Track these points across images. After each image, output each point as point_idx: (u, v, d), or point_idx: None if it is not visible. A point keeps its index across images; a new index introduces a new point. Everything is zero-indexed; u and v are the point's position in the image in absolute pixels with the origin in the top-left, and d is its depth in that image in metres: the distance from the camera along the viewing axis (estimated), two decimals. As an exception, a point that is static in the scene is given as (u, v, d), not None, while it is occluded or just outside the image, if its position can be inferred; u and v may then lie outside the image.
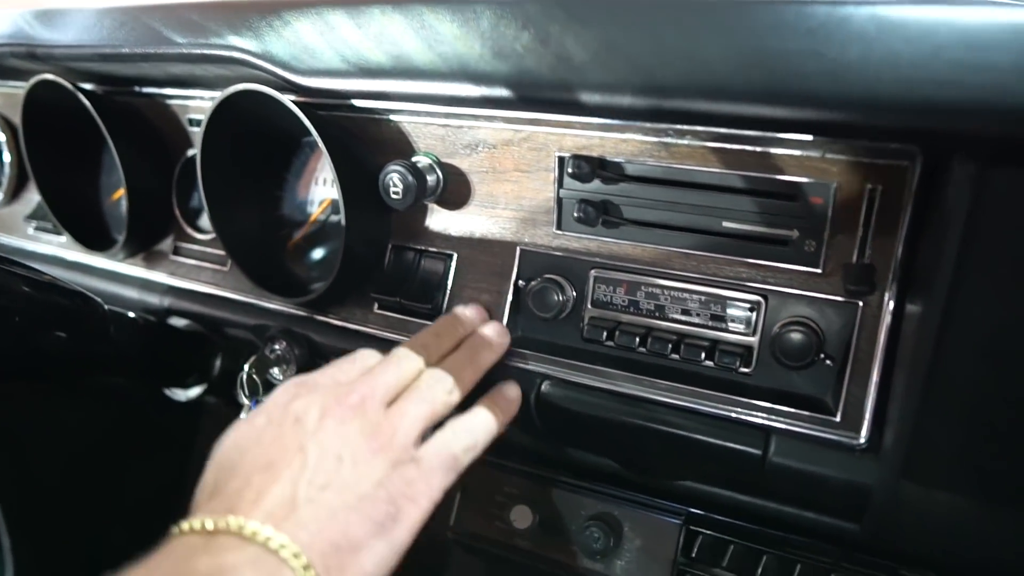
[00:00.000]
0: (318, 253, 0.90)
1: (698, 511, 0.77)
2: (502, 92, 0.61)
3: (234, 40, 0.71)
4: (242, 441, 0.56)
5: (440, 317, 0.73)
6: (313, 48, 0.68)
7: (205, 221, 0.95)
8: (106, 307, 0.86)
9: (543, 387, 0.72)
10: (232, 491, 0.51)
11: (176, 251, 0.97)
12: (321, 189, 0.89)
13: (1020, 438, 0.51)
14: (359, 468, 0.54)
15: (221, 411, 1.02)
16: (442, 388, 0.62)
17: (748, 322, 0.66)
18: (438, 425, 0.62)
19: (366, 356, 0.65)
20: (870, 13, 0.47)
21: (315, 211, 0.89)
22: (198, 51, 0.73)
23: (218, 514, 0.49)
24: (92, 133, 0.90)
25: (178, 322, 0.97)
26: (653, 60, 0.53)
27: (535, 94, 0.59)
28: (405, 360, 0.63)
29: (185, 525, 0.49)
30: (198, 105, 0.91)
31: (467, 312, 0.73)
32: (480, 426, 0.64)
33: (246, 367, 0.84)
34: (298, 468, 0.52)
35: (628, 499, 0.78)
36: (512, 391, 0.71)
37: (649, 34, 0.52)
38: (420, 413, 0.59)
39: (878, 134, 0.56)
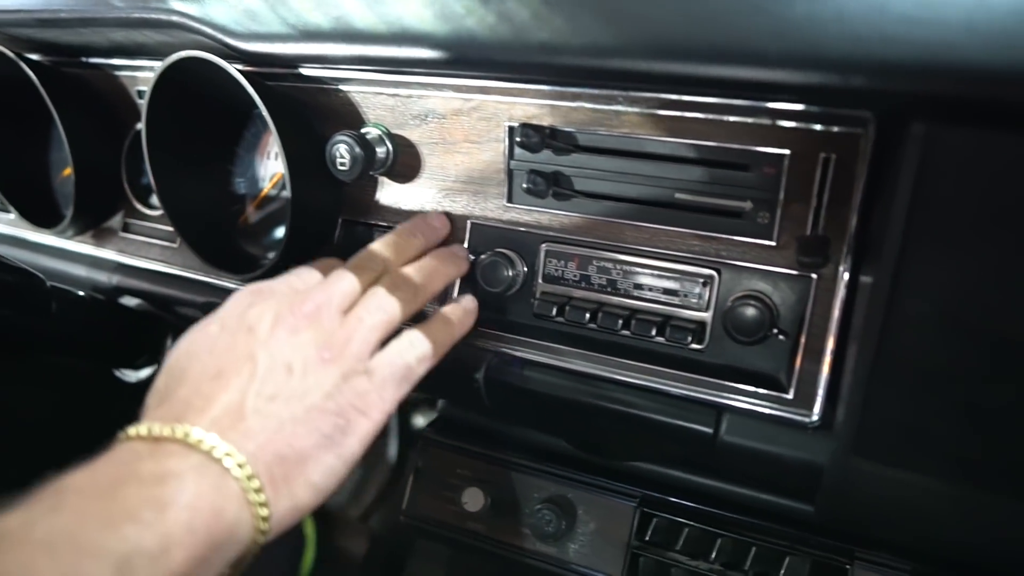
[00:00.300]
0: (271, 229, 0.87)
1: (653, 493, 0.75)
2: (444, 54, 0.59)
3: (174, 3, 0.69)
4: (194, 348, 0.56)
5: (406, 223, 0.70)
6: (254, 11, 0.66)
7: (156, 197, 0.92)
8: (49, 284, 0.84)
9: (492, 363, 0.70)
10: (180, 398, 0.51)
11: (126, 228, 0.94)
12: (273, 164, 0.86)
13: (970, 412, 0.49)
14: (308, 379, 0.53)
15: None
16: (400, 296, 0.60)
17: (701, 297, 0.64)
18: (396, 334, 0.60)
19: (326, 262, 0.64)
20: (816, -34, 0.45)
21: (266, 186, 0.87)
22: (137, 15, 0.70)
23: (166, 421, 0.49)
24: (40, 106, 0.87)
25: (128, 301, 0.95)
26: (593, 18, 0.51)
27: (476, 55, 0.57)
28: (365, 267, 0.62)
29: (132, 431, 0.49)
30: (147, 76, 0.88)
31: (433, 222, 0.71)
32: (436, 335, 0.62)
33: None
34: (247, 377, 0.52)
35: (582, 481, 0.77)
36: (470, 302, 0.69)
37: (590, -10, 0.50)
38: (375, 322, 0.58)
39: (829, 98, 0.54)
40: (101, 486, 0.45)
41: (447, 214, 0.72)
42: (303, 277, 0.61)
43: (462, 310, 0.68)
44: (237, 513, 0.48)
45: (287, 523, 0.51)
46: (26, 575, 0.39)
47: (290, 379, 0.53)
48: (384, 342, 0.59)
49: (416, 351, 0.59)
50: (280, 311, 0.56)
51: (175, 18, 0.68)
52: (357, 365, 0.56)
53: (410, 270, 0.64)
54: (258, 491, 0.48)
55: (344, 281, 0.59)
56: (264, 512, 0.49)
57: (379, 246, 0.65)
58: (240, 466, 0.48)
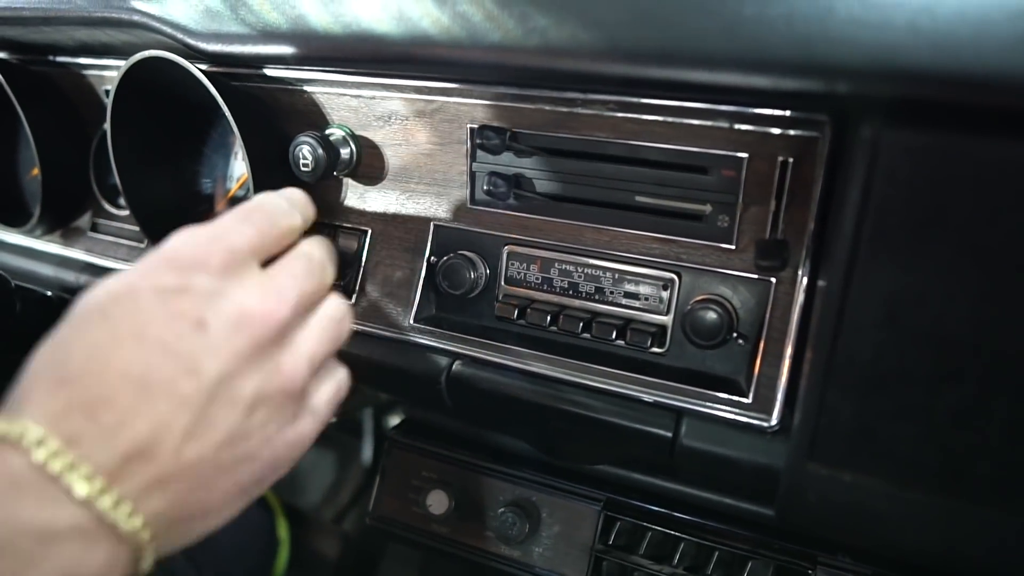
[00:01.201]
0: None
1: (617, 496, 0.74)
2: (399, 54, 0.58)
3: (135, 3, 0.68)
4: (117, 320, 0.43)
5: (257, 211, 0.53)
6: (214, 11, 0.65)
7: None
8: (14, 283, 0.83)
9: (454, 366, 0.69)
10: (87, 392, 0.40)
11: (94, 227, 0.94)
12: (240, 164, 0.86)
13: (921, 415, 0.49)
14: (256, 417, 0.45)
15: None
16: (345, 322, 0.53)
17: (661, 300, 0.64)
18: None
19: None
20: (764, -32, 0.45)
21: (233, 186, 0.86)
22: (98, 14, 0.69)
23: (59, 418, 0.39)
24: (6, 105, 0.86)
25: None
26: (545, 20, 0.50)
27: (432, 55, 0.57)
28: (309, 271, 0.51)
29: (16, 431, 0.39)
30: (114, 76, 0.88)
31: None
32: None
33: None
34: (179, 401, 0.41)
35: (547, 484, 0.76)
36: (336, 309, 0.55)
37: (541, -9, 0.50)
38: (323, 353, 0.51)
39: (784, 101, 0.54)
40: None
41: (411, 216, 0.72)
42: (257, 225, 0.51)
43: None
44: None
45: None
46: None
47: (233, 414, 0.44)
48: None
49: (343, 389, 0.55)
50: (248, 306, 0.46)
51: (136, 17, 0.68)
52: (305, 404, 0.50)
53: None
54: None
55: (304, 292, 0.50)
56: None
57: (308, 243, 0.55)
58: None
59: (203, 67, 0.70)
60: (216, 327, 0.44)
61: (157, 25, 0.67)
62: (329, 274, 0.54)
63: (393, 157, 0.71)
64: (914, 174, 0.45)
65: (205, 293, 0.45)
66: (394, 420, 1.33)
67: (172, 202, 0.85)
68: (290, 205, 0.55)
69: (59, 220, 0.94)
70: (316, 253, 0.53)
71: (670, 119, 0.59)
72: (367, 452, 1.33)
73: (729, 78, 0.48)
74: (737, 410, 0.61)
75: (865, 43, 0.43)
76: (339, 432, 1.38)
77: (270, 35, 0.63)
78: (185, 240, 0.48)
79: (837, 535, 0.62)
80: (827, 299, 0.51)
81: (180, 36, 0.67)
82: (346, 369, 0.55)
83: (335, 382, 0.54)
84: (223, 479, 0.44)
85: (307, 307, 0.51)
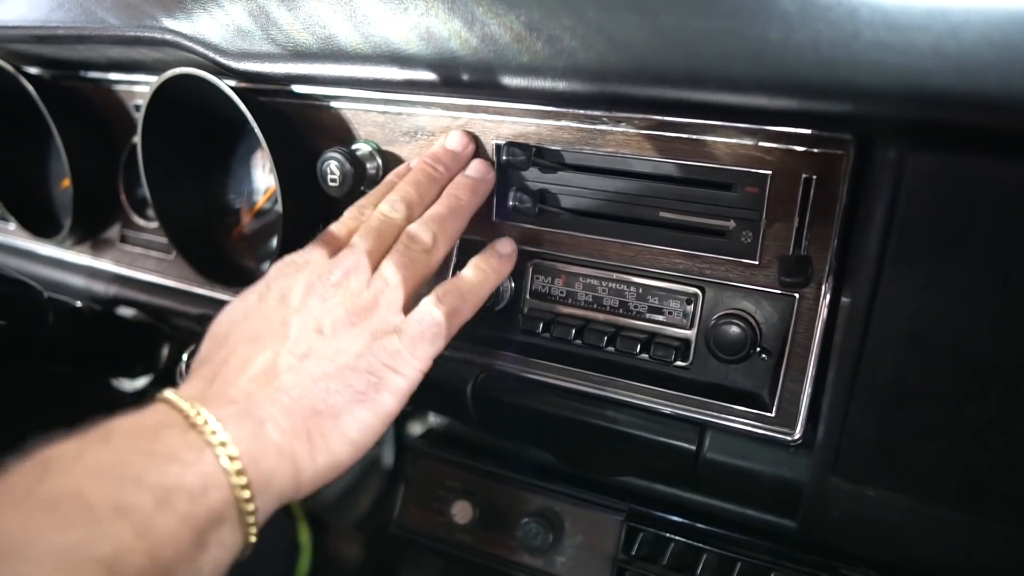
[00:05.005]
0: (265, 242, 0.88)
1: (640, 507, 0.75)
2: (428, 76, 0.59)
3: (167, 22, 0.69)
4: (233, 315, 0.59)
5: (427, 154, 0.67)
6: (245, 31, 0.66)
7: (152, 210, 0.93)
8: (46, 295, 0.84)
9: (480, 378, 0.70)
10: (220, 359, 0.55)
11: (123, 239, 0.95)
12: (267, 177, 0.87)
13: (944, 433, 0.49)
14: (339, 340, 0.56)
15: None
16: (421, 248, 0.61)
17: (685, 314, 0.65)
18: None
19: (349, 219, 0.65)
20: (791, -7, 0.45)
21: (260, 199, 0.87)
22: (131, 33, 0.71)
23: (206, 381, 0.53)
24: (39, 118, 0.88)
25: (125, 311, 0.95)
26: (574, 41, 0.51)
27: (460, 76, 0.58)
28: (387, 220, 0.63)
29: (168, 394, 0.51)
30: (144, 91, 0.89)
31: (449, 150, 0.68)
32: (468, 288, 0.63)
33: (184, 356, 0.82)
34: (280, 339, 0.55)
35: (570, 495, 0.77)
36: (506, 247, 0.69)
37: (569, 14, 0.51)
38: (399, 280, 0.59)
39: (808, 120, 0.55)
40: (146, 427, 0.48)
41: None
42: (329, 240, 0.63)
43: (496, 257, 0.67)
44: (274, 464, 0.49)
45: (326, 478, 0.53)
46: (73, 498, 0.41)
47: (321, 340, 0.55)
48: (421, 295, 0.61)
49: (447, 306, 0.60)
50: (310, 280, 0.58)
51: (168, 36, 0.69)
52: (386, 325, 0.57)
53: (430, 215, 0.64)
54: (244, 487, 0.48)
55: (369, 239, 0.61)
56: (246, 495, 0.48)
57: (402, 191, 0.65)
58: (232, 459, 0.47)
59: (232, 84, 0.71)
60: (295, 295, 0.58)
61: (189, 44, 0.68)
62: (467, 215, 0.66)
63: (419, 172, 0.72)
64: (938, 196, 0.45)
65: (354, 290, 0.58)
66: (415, 426, 1.34)
67: (200, 214, 0.87)
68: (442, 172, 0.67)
69: (89, 231, 0.96)
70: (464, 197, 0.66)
71: (695, 137, 0.60)
72: (388, 458, 1.34)
73: (755, 100, 0.49)
74: (760, 424, 0.61)
75: (890, 66, 0.44)
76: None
77: (300, 55, 0.64)
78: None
79: (859, 549, 0.62)
80: (851, 318, 0.51)
81: (211, 55, 0.68)
82: (451, 292, 0.61)
83: (426, 310, 0.60)
84: (333, 383, 0.54)
85: (380, 254, 0.61)
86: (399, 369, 0.57)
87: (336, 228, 0.64)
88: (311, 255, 0.61)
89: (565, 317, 0.68)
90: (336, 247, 0.62)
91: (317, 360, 0.54)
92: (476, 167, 0.68)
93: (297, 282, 0.58)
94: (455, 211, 0.65)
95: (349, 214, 0.65)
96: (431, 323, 0.59)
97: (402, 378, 0.57)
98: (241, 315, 0.58)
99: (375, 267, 0.60)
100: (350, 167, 0.70)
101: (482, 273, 0.65)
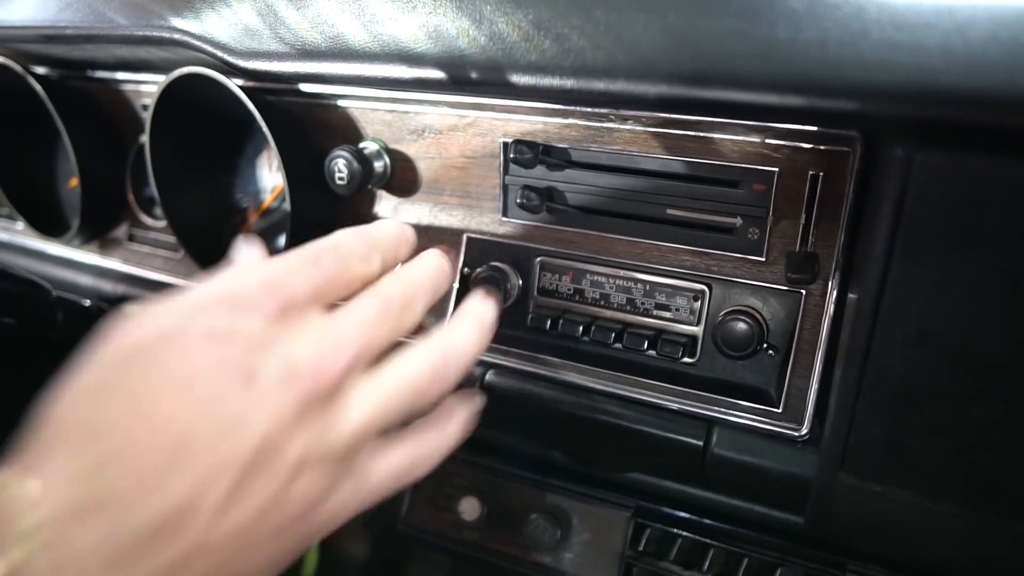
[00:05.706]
0: (272, 240, 0.89)
1: (647, 504, 0.75)
2: (436, 74, 0.60)
3: (175, 22, 0.70)
4: (167, 362, 0.39)
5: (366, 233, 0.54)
6: (253, 30, 0.67)
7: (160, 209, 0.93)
8: (55, 294, 0.85)
9: (488, 376, 0.71)
10: (114, 453, 0.36)
11: (131, 238, 0.96)
12: (274, 176, 0.88)
13: (951, 430, 0.49)
14: (301, 483, 0.40)
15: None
16: (430, 382, 0.47)
17: (692, 311, 0.65)
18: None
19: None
20: (798, -9, 0.45)
21: (267, 198, 0.88)
22: (140, 32, 0.71)
23: (84, 478, 0.36)
24: (47, 118, 0.88)
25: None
26: (582, 40, 0.51)
27: (468, 75, 0.58)
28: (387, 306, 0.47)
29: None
30: (152, 90, 0.90)
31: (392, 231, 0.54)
32: (429, 444, 0.50)
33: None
34: (220, 463, 0.37)
35: (577, 491, 0.77)
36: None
37: (577, 12, 0.51)
38: (381, 412, 0.45)
39: (815, 118, 0.55)
40: None
41: (443, 228, 0.73)
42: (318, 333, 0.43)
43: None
44: None
45: None
46: None
47: (274, 481, 0.39)
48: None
49: (420, 465, 0.49)
50: (298, 359, 0.41)
51: (176, 36, 0.69)
52: (358, 471, 0.44)
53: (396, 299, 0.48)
54: None
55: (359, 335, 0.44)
56: None
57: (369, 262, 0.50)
58: None
59: (240, 83, 0.72)
60: (264, 381, 0.40)
61: (197, 43, 0.69)
62: (411, 316, 0.48)
63: (426, 170, 0.73)
64: (946, 194, 0.45)
65: (257, 341, 0.41)
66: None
67: (208, 213, 0.87)
68: (369, 248, 0.50)
69: (97, 230, 0.96)
70: (398, 291, 0.48)
71: (702, 134, 0.60)
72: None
73: (763, 99, 0.49)
74: (768, 420, 0.62)
75: (898, 65, 0.44)
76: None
77: (308, 54, 0.64)
78: (242, 278, 0.44)
79: (866, 545, 0.62)
80: (858, 315, 0.52)
81: (220, 54, 0.68)
82: (438, 441, 0.50)
83: (408, 454, 0.47)
84: (255, 552, 0.40)
85: (374, 358, 0.45)
86: (337, 521, 0.44)
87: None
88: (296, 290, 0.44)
89: (573, 314, 0.69)
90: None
91: (260, 515, 0.39)
92: (428, 256, 0.54)
93: (278, 356, 0.41)
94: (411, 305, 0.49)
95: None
96: (404, 476, 0.47)
97: (331, 529, 0.44)
98: (178, 374, 0.39)
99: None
100: (357, 165, 0.70)
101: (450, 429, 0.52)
